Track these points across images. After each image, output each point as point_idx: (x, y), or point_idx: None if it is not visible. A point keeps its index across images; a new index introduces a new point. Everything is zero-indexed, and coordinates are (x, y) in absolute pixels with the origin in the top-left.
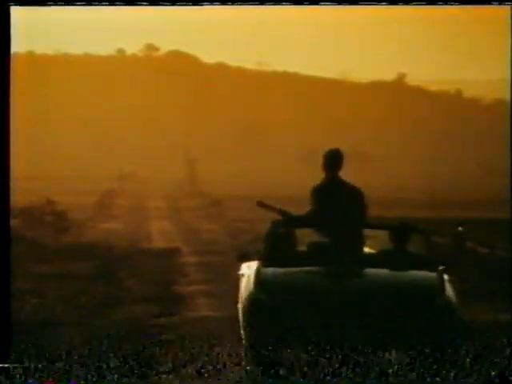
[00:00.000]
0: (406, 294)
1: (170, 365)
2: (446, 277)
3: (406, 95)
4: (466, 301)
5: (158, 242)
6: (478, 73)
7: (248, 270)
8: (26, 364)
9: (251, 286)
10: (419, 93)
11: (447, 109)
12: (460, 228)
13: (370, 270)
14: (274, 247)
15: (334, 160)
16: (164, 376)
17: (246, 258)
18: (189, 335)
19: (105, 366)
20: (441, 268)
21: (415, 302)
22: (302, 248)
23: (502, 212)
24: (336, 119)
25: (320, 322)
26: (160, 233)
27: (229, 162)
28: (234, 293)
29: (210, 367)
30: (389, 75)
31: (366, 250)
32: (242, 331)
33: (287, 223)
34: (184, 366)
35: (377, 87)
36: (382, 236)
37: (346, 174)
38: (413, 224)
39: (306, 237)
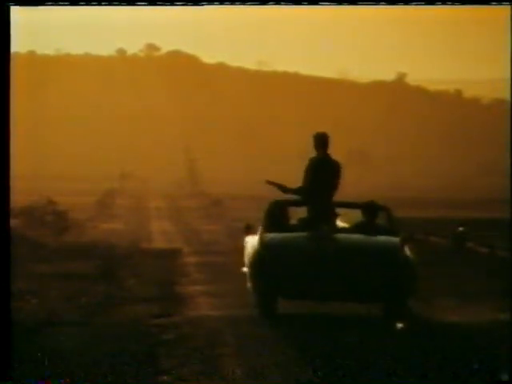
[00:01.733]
0: (375, 251)
1: (170, 365)
2: (405, 241)
3: (406, 95)
4: (466, 300)
5: (159, 242)
6: (478, 73)
7: (252, 239)
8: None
9: (256, 245)
10: (419, 92)
11: (447, 109)
12: (460, 228)
13: (346, 235)
14: (273, 220)
15: (322, 140)
16: (164, 376)
17: (250, 229)
18: (189, 335)
19: (105, 366)
20: (401, 235)
21: (381, 257)
22: (293, 222)
23: (502, 212)
24: (336, 119)
25: (308, 273)
26: (160, 233)
27: (229, 162)
28: (235, 291)
29: (210, 367)
30: (389, 75)
31: (344, 223)
32: (248, 281)
33: (282, 203)
34: (184, 366)
35: (377, 87)
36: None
37: (346, 172)
38: (379, 203)
39: (297, 214)
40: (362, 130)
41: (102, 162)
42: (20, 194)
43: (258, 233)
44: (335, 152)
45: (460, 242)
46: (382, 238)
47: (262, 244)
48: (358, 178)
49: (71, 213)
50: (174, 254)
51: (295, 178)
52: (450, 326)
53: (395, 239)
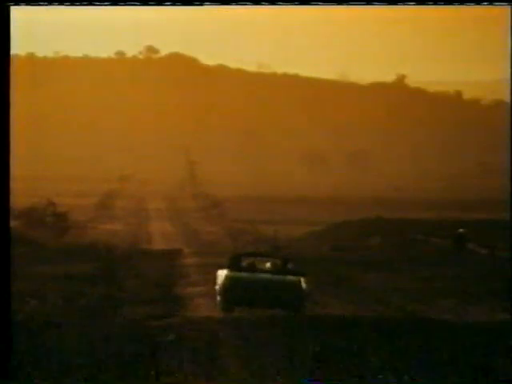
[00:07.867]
0: (284, 285)
1: (169, 365)
2: (303, 279)
3: (406, 96)
4: (466, 301)
5: (159, 244)
6: (478, 74)
7: (221, 272)
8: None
9: (224, 278)
10: (419, 94)
11: (447, 109)
12: (461, 230)
13: (269, 275)
14: (233, 264)
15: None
16: (164, 376)
17: (221, 267)
18: (189, 335)
19: (105, 367)
20: (302, 276)
21: (288, 288)
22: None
23: (501, 212)
24: (336, 120)
25: (252, 295)
26: (160, 234)
27: (229, 164)
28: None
29: (210, 367)
30: (389, 76)
31: (271, 266)
32: (217, 299)
33: (239, 255)
34: (184, 366)
35: (377, 88)
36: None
37: (347, 173)
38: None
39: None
40: (362, 131)
41: (101, 163)
42: (20, 196)
43: (225, 270)
44: (335, 152)
45: (460, 242)
46: (290, 277)
47: (226, 278)
48: (358, 179)
49: (71, 214)
50: (173, 254)
51: (295, 178)
52: (450, 326)
53: (297, 278)
